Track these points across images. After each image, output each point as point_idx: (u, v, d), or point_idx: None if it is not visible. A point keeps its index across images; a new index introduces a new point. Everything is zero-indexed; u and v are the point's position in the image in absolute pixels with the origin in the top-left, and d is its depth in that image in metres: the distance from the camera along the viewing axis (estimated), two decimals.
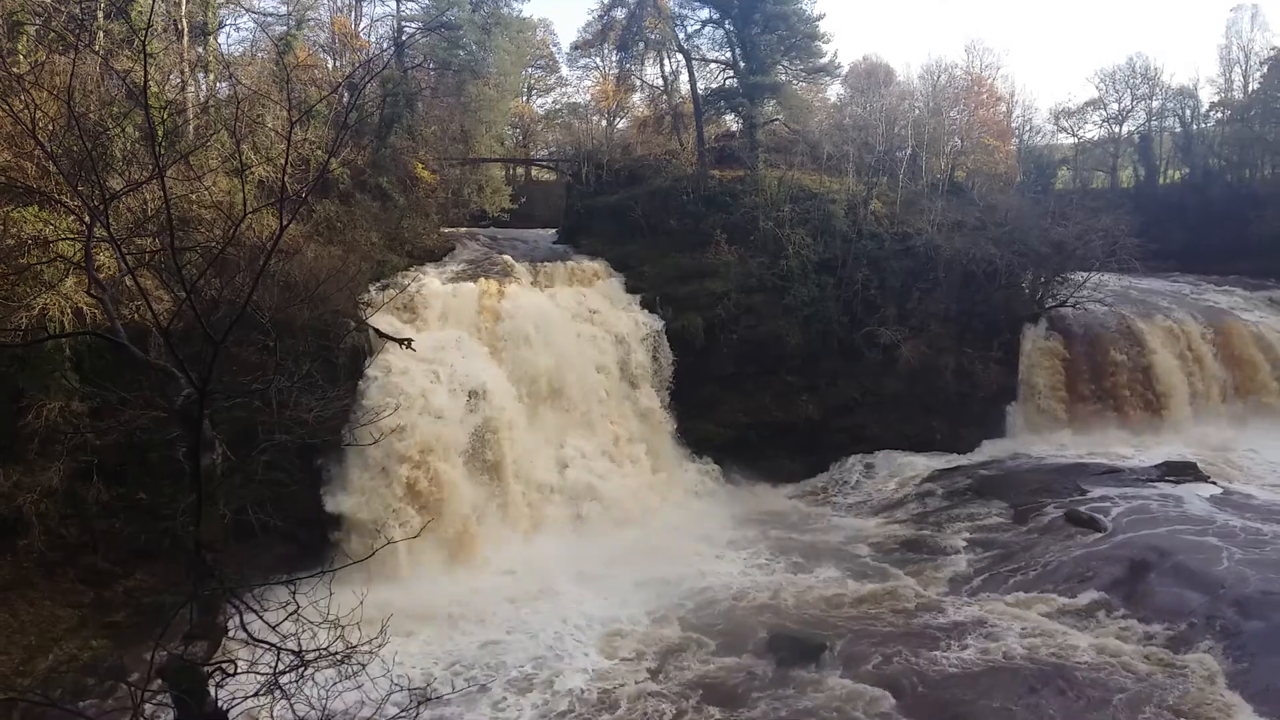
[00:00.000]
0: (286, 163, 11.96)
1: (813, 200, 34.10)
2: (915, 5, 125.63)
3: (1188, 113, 57.95)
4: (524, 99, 52.02)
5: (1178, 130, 58.62)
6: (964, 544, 24.06)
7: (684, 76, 40.55)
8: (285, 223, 6.91)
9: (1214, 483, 26.88)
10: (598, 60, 49.32)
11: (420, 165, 31.14)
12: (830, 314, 32.25)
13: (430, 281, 27.20)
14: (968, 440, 32.56)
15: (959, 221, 35.52)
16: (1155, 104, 57.99)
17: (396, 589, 19.21)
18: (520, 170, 51.79)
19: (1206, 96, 58.41)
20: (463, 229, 35.51)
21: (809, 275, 32.46)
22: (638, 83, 45.27)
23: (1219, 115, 57.60)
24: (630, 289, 31.73)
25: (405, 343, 22.43)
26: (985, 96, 45.44)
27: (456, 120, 34.59)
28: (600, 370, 28.59)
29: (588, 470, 26.51)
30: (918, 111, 39.42)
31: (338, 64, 35.12)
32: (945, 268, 33.67)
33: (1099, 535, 22.88)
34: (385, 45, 35.60)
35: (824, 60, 38.71)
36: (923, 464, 30.87)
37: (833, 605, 20.77)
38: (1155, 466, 28.19)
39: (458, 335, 25.88)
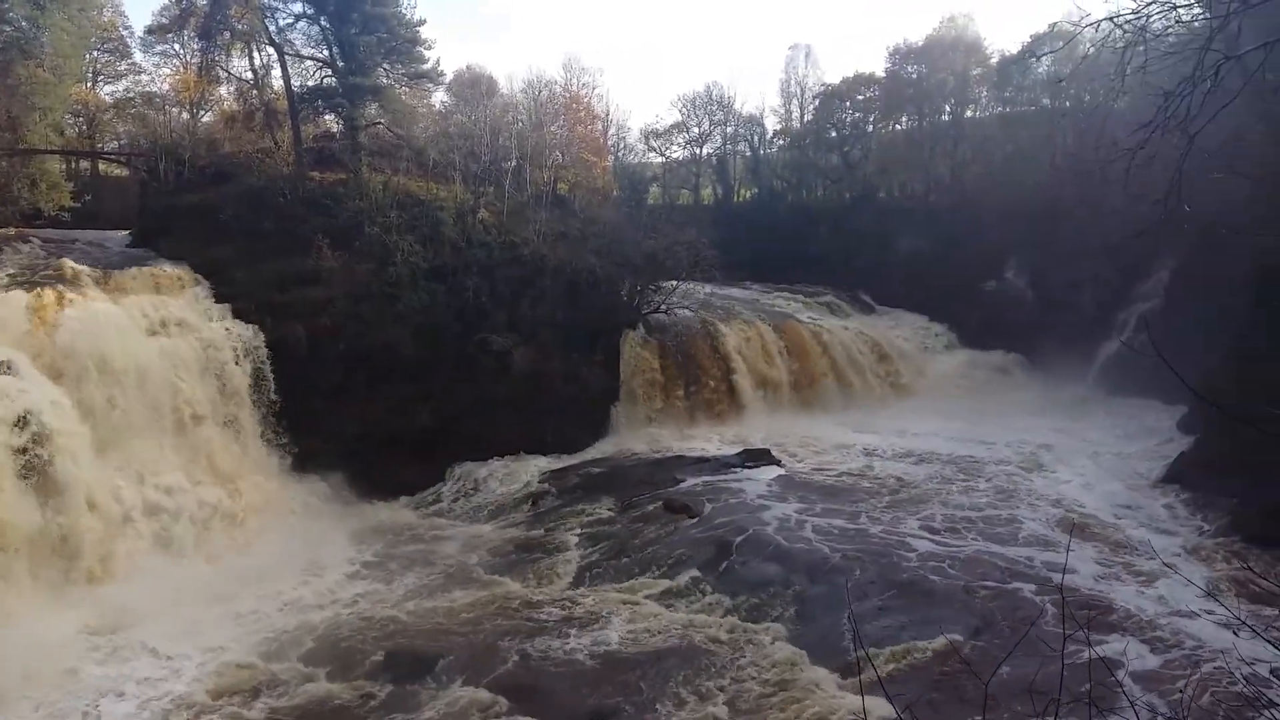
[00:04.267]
0: None
1: (421, 207, 33.67)
2: (515, 20, 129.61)
3: (756, 138, 65.44)
4: (89, 85, 45.79)
5: (748, 154, 65.93)
6: (576, 540, 24.92)
7: (277, 71, 38.14)
8: None
9: (783, 465, 30.41)
10: (177, 47, 44.92)
11: None
12: (443, 321, 31.99)
13: None
14: (578, 440, 33.86)
15: (563, 232, 37.04)
16: (730, 129, 64.79)
17: None
18: (86, 164, 45.54)
19: (771, 125, 66.14)
20: (12, 230, 30.39)
21: (419, 283, 31.97)
22: (224, 75, 41.71)
23: (781, 142, 65.64)
24: (221, 298, 29.08)
25: None
26: (583, 114, 47.90)
27: (2, 105, 29.66)
28: (188, 387, 25.88)
29: (174, 498, 23.83)
30: (521, 124, 40.55)
31: None
32: (552, 276, 34.86)
33: (694, 520, 24.81)
34: None
35: (427, 66, 38.47)
36: (537, 466, 31.60)
37: (450, 615, 20.48)
38: (737, 454, 31.21)
39: (4, 354, 22.02)
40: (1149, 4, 5.54)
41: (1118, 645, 16.35)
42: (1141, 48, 5.83)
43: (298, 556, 24.15)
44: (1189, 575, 19.80)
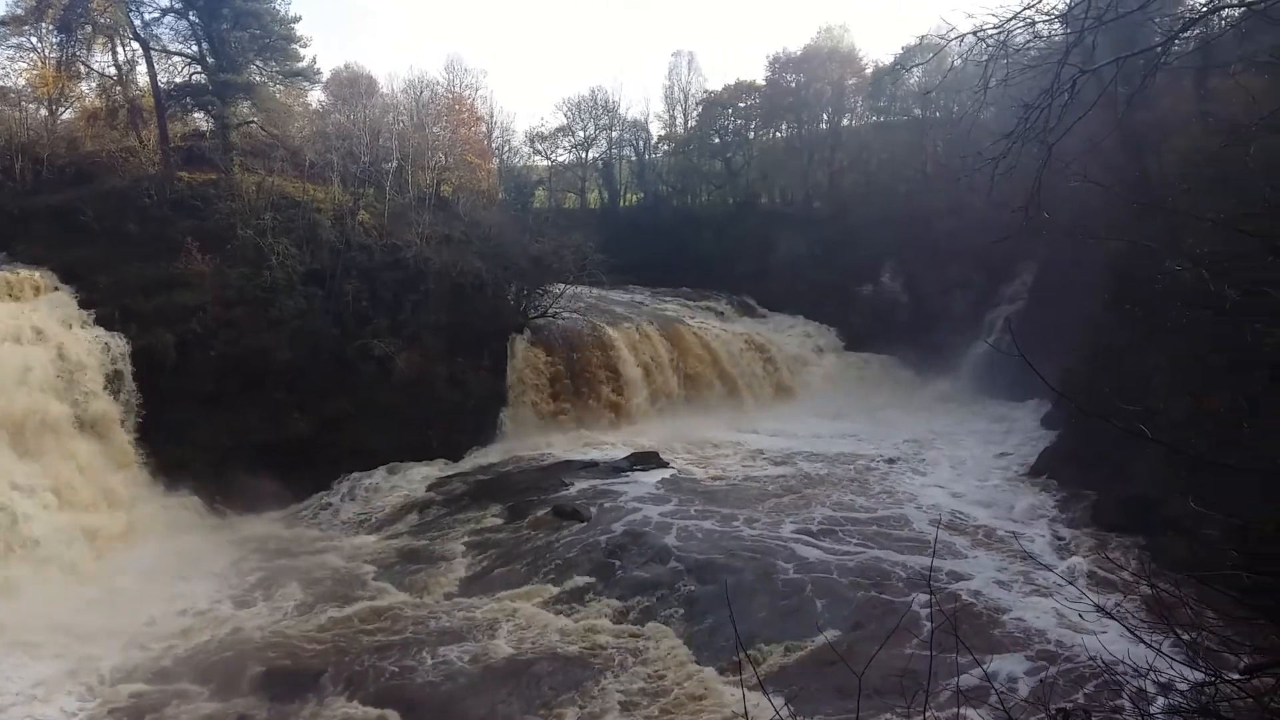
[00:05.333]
0: None
1: (296, 209, 32.64)
2: (394, 18, 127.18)
3: (641, 143, 65.80)
4: None
5: (634, 159, 66.26)
6: (463, 549, 24.55)
7: (143, 68, 36.37)
8: None
9: (672, 467, 30.67)
10: (34, 40, 42.24)
11: None
12: (320, 326, 31.07)
13: None
14: (464, 447, 33.41)
15: (447, 235, 36.49)
16: (615, 134, 64.96)
17: None
18: None
19: (656, 130, 66.59)
20: None
21: (296, 287, 30.97)
22: (85, 70, 39.50)
23: (666, 147, 66.22)
24: (84, 303, 27.61)
25: None
26: (466, 115, 47.27)
27: None
28: (46, 399, 24.40)
29: (35, 516, 22.42)
30: (402, 125, 39.75)
31: None
32: (435, 280, 34.28)
33: (583, 525, 24.78)
34: None
35: (302, 64, 37.38)
36: (422, 474, 31.02)
37: (333, 628, 19.87)
38: (626, 458, 31.31)
39: None
40: (1010, 20, 5.78)
41: (986, 635, 17.12)
42: (1004, 61, 6.08)
43: (171, 574, 23.07)
44: (1053, 564, 20.86)
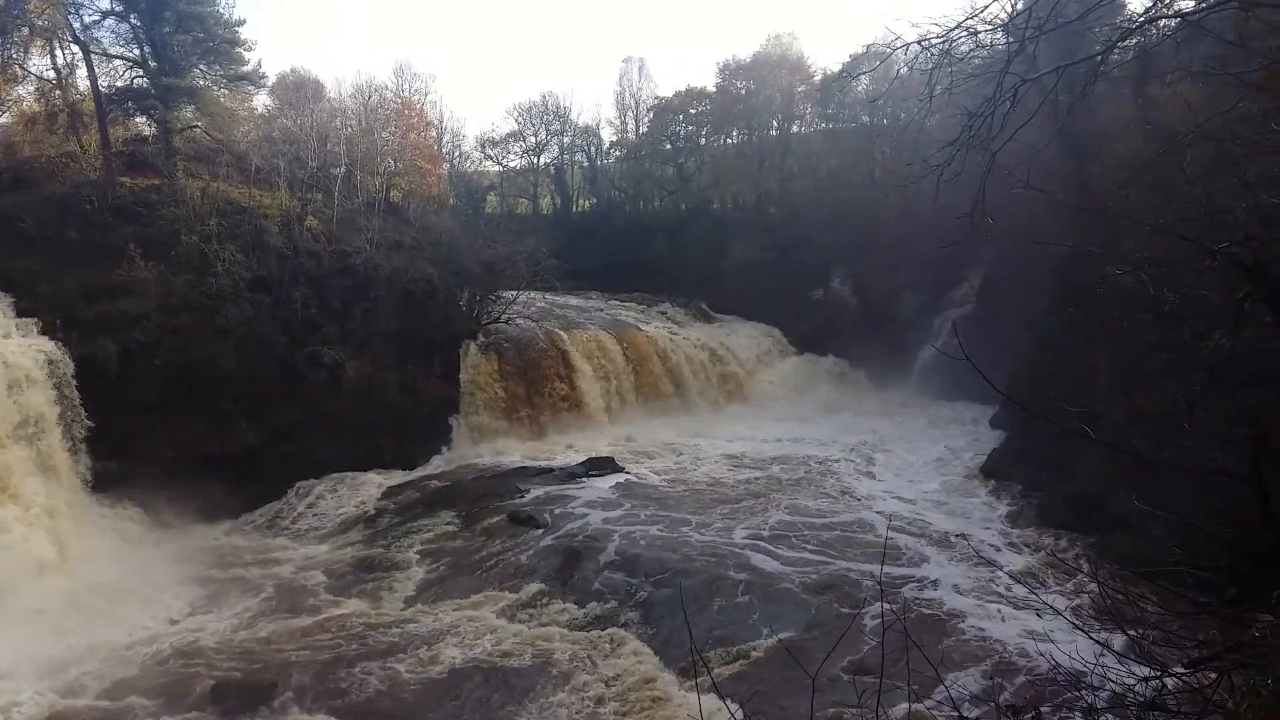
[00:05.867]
0: None
1: (243, 214, 32.06)
2: (341, 21, 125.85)
3: (593, 149, 65.85)
4: None
5: (586, 164, 66.25)
6: (417, 557, 24.32)
7: (83, 71, 35.44)
8: None
9: (628, 472, 30.66)
10: None
11: None
12: (268, 334, 30.54)
13: None
14: (417, 455, 33.08)
15: (397, 241, 36.13)
16: (567, 139, 64.92)
17: None
18: None
19: (608, 136, 66.73)
20: None
21: (242, 294, 30.41)
22: (22, 73, 38.42)
23: (618, 153, 66.31)
24: (23, 311, 26.85)
25: None
26: (416, 120, 46.85)
27: None
28: None
29: None
30: (351, 130, 39.31)
31: None
32: (386, 286, 33.90)
33: (539, 531, 24.68)
34: None
35: (247, 68, 36.71)
36: (374, 482, 30.66)
37: (285, 640, 19.56)
38: (581, 463, 31.25)
39: None
40: (953, 29, 5.87)
41: (938, 635, 17.38)
42: (949, 70, 6.17)
43: (117, 587, 22.53)
44: (1001, 564, 21.22)
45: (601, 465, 30.88)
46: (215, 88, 36.52)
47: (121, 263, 28.81)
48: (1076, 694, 4.87)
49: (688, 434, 37.09)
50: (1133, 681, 4.87)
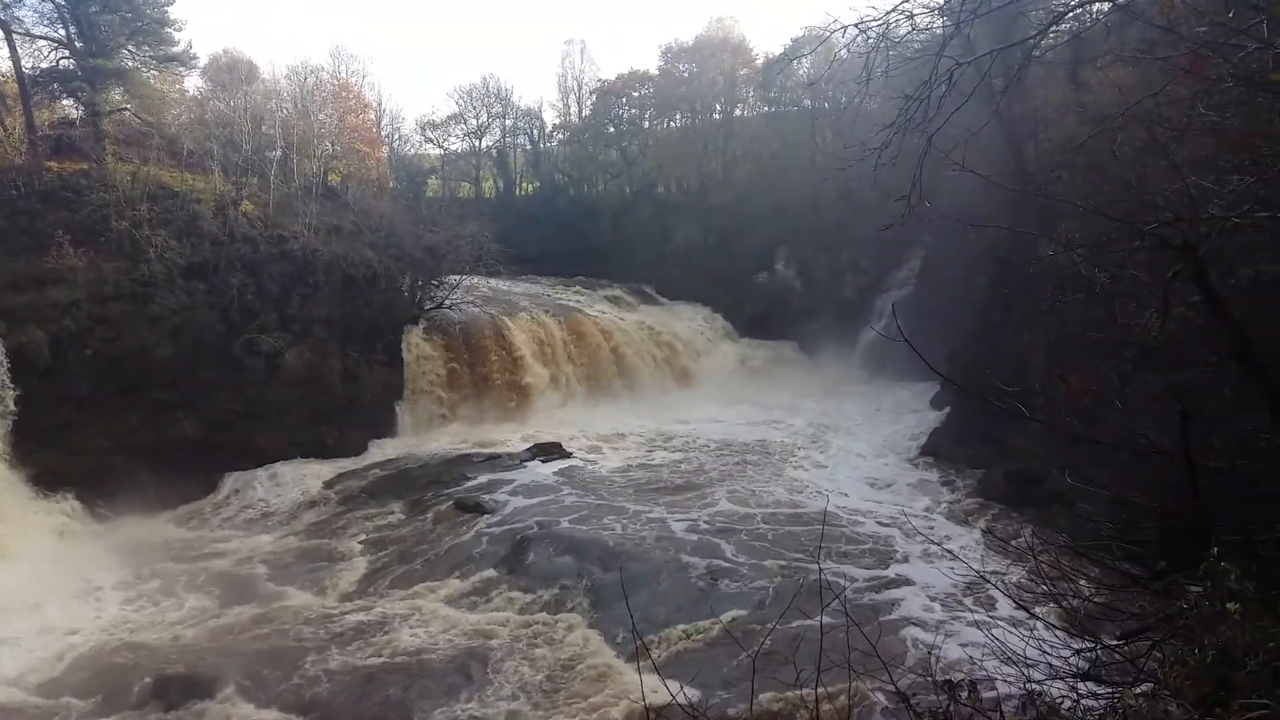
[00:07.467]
0: None
1: (175, 199, 31.20)
2: (276, 5, 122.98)
3: (536, 132, 65.31)
4: None
5: (529, 148, 65.69)
6: (361, 547, 24.04)
7: (4, 51, 34.10)
8: None
9: (574, 457, 30.61)
10: None
11: None
12: (204, 322, 29.84)
13: None
14: (360, 443, 32.67)
15: (336, 226, 35.47)
16: (509, 122, 64.28)
17: None
18: None
19: (550, 119, 66.26)
20: None
21: (176, 281, 29.63)
22: None
23: (561, 136, 65.85)
24: None
25: None
26: (354, 103, 45.93)
27: None
28: None
29: None
30: (286, 112, 38.41)
31: None
32: (325, 271, 33.28)
33: (486, 518, 24.53)
34: None
35: (177, 49, 35.54)
36: (317, 472, 30.22)
37: (228, 632, 19.22)
38: (529, 449, 31.12)
39: None
40: (890, 11, 5.90)
41: (878, 611, 17.73)
42: (887, 53, 6.21)
43: (54, 582, 21.94)
44: (941, 539, 21.62)
45: (548, 451, 30.78)
46: (145, 69, 35.35)
47: (49, 250, 27.89)
48: (1013, 666, 4.98)
49: (635, 418, 37.14)
50: (1068, 654, 4.99)
